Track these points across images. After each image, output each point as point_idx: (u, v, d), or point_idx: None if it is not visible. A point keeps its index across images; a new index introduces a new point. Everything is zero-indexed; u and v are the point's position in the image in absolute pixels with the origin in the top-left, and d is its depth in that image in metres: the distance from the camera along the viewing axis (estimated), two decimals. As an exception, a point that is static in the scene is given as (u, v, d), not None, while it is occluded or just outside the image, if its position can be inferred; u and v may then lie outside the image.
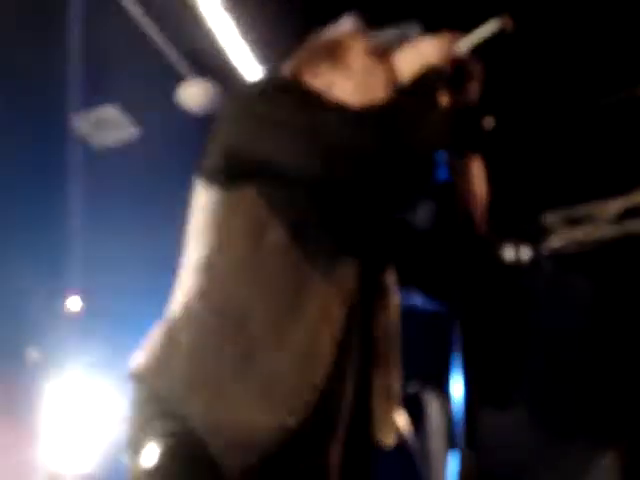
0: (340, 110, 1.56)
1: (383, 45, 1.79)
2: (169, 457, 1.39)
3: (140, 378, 1.50)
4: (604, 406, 4.93)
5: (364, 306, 1.60)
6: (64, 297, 5.60)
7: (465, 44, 1.67)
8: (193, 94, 4.07)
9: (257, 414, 1.38)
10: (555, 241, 5.04)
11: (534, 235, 5.06)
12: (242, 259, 1.51)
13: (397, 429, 1.63)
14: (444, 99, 1.61)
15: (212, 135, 1.63)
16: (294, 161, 1.51)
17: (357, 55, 1.75)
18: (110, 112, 4.44)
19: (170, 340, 1.50)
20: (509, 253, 4.96)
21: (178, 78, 4.10)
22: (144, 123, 4.55)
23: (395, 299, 1.69)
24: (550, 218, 5.08)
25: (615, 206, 4.86)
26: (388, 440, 1.61)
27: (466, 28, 1.70)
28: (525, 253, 4.97)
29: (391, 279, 1.70)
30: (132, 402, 1.51)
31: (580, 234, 4.97)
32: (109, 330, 5.55)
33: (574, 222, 5.03)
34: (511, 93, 4.12)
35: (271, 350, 1.43)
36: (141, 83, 4.15)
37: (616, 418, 4.97)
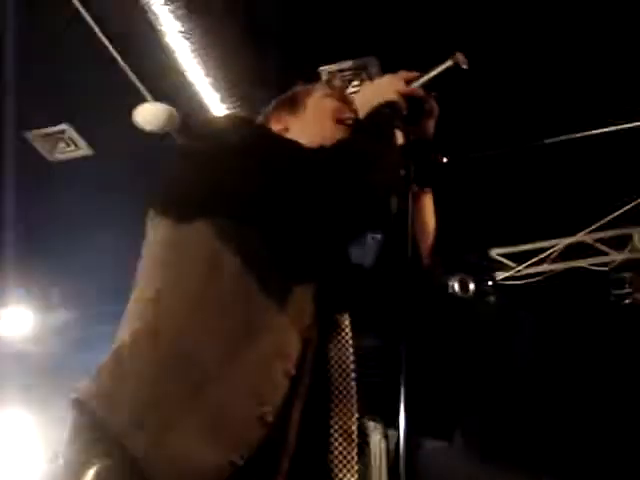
0: (294, 149, 1.58)
1: (342, 89, 1.86)
2: (107, 477, 1.34)
3: (83, 406, 1.44)
4: (545, 436, 5.00)
5: (319, 343, 1.59)
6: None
7: (420, 81, 1.74)
8: (150, 116, 4.08)
9: (204, 452, 1.35)
10: (500, 275, 5.12)
11: (480, 269, 5.13)
12: (195, 292, 1.49)
13: (358, 469, 1.59)
14: (399, 136, 1.65)
15: (163, 169, 1.65)
16: (241, 197, 1.53)
17: (314, 99, 1.86)
18: (65, 129, 4.42)
19: (117, 370, 1.46)
20: (456, 285, 5.03)
21: (135, 99, 4.10)
22: (99, 142, 4.54)
23: (350, 338, 1.68)
24: (496, 253, 5.17)
25: (559, 244, 4.96)
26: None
27: (423, 66, 1.77)
28: (471, 285, 5.04)
29: (346, 317, 1.69)
30: (72, 428, 1.46)
31: (525, 269, 5.06)
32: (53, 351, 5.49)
33: (519, 257, 5.12)
34: (463, 130, 4.21)
35: (221, 384, 1.40)
36: (98, 102, 4.15)
37: (556, 449, 5.04)
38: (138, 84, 4.05)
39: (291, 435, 1.48)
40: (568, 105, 4.11)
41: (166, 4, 3.52)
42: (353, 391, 1.64)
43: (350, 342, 1.68)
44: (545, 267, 5.01)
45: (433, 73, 1.73)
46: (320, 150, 1.57)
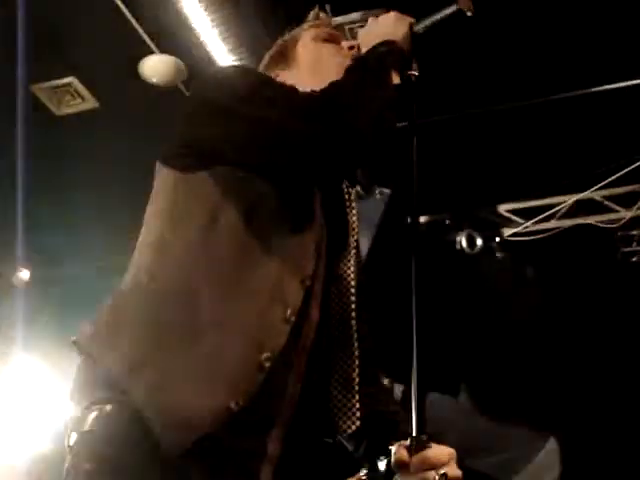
0: (290, 96, 1.58)
1: (336, 29, 1.84)
2: (108, 422, 1.37)
3: (85, 349, 1.47)
4: (549, 393, 5.03)
5: (320, 291, 1.60)
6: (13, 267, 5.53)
7: (423, 24, 1.72)
8: (157, 68, 4.05)
9: (201, 397, 1.36)
10: (508, 231, 5.11)
11: (489, 224, 5.12)
12: (195, 240, 1.50)
13: (358, 416, 1.60)
14: (395, 76, 1.62)
15: (176, 120, 1.66)
16: (242, 148, 1.54)
17: (304, 46, 1.84)
18: (71, 82, 4.39)
19: (117, 314, 1.48)
20: (463, 241, 5.02)
21: (142, 52, 4.07)
22: (106, 95, 4.51)
23: (353, 288, 1.68)
24: (504, 209, 5.15)
25: (568, 200, 4.94)
26: (349, 427, 1.59)
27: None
28: (479, 241, 5.03)
29: (350, 267, 1.69)
30: (76, 372, 1.49)
31: (532, 225, 5.04)
32: (59, 302, 5.50)
33: (527, 214, 5.10)
34: (473, 83, 4.17)
35: (220, 330, 1.41)
36: (105, 55, 4.11)
37: (559, 404, 5.07)
38: (145, 36, 4.01)
39: (291, 383, 1.50)
40: (580, 59, 4.06)
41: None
42: (354, 341, 1.64)
43: (353, 292, 1.67)
44: (553, 224, 4.99)
45: (436, 17, 1.70)
46: (311, 94, 1.58)
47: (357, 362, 1.63)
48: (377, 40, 1.67)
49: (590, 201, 4.95)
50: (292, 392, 1.50)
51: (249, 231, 1.50)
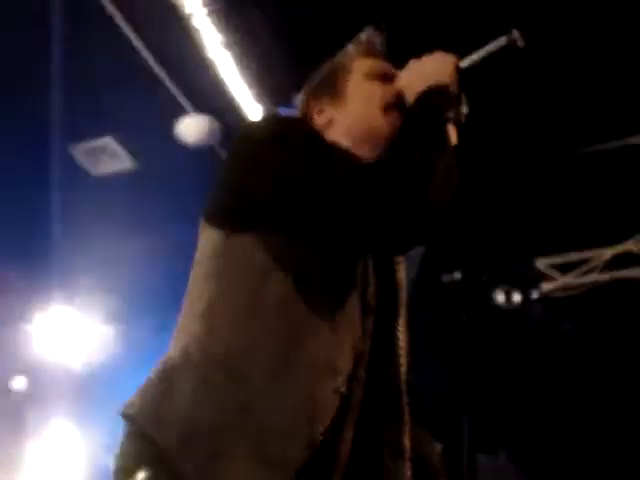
0: (344, 161, 1.46)
1: (388, 66, 1.70)
2: None
3: (134, 421, 1.43)
4: (591, 454, 4.92)
5: (373, 358, 1.55)
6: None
7: (471, 59, 1.56)
8: (192, 128, 4.09)
9: (251, 477, 1.32)
10: (546, 286, 5.05)
11: (526, 280, 5.07)
12: (243, 308, 1.45)
13: None
14: (453, 132, 1.49)
15: (216, 178, 1.58)
16: (295, 212, 1.45)
17: (355, 83, 1.69)
18: (108, 143, 4.46)
19: (168, 386, 1.43)
20: (501, 297, 4.97)
21: (177, 112, 4.12)
22: (142, 155, 4.57)
23: (403, 351, 1.62)
24: (541, 263, 5.10)
25: (606, 253, 4.88)
26: None
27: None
28: (516, 297, 4.97)
29: (399, 324, 1.64)
30: (122, 443, 1.45)
31: (570, 280, 4.98)
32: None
33: (565, 268, 5.05)
34: (507, 140, 4.17)
35: (269, 402, 1.37)
36: (141, 116, 4.17)
37: (600, 467, 4.96)
38: (180, 97, 4.07)
39: (343, 453, 1.45)
40: (613, 112, 4.06)
41: (209, 15, 3.55)
42: (404, 405, 1.59)
43: (403, 355, 1.62)
44: (592, 277, 4.93)
45: (486, 50, 1.53)
46: (371, 164, 1.44)
47: (407, 427, 1.57)
48: (423, 84, 1.52)
49: (627, 254, 4.89)
50: (342, 460, 1.45)
51: (298, 301, 1.43)
